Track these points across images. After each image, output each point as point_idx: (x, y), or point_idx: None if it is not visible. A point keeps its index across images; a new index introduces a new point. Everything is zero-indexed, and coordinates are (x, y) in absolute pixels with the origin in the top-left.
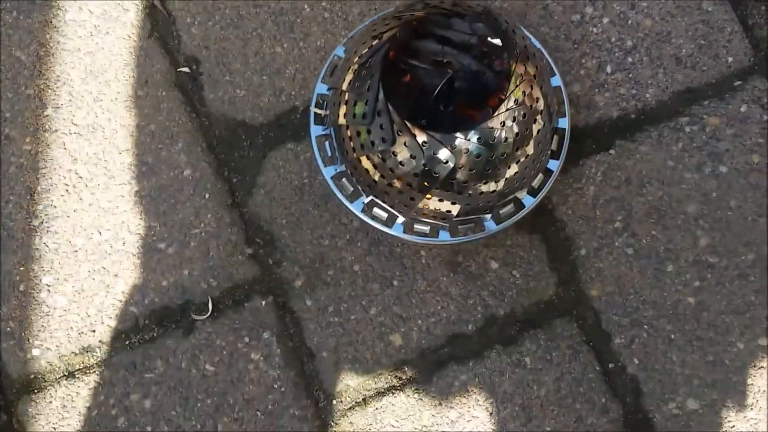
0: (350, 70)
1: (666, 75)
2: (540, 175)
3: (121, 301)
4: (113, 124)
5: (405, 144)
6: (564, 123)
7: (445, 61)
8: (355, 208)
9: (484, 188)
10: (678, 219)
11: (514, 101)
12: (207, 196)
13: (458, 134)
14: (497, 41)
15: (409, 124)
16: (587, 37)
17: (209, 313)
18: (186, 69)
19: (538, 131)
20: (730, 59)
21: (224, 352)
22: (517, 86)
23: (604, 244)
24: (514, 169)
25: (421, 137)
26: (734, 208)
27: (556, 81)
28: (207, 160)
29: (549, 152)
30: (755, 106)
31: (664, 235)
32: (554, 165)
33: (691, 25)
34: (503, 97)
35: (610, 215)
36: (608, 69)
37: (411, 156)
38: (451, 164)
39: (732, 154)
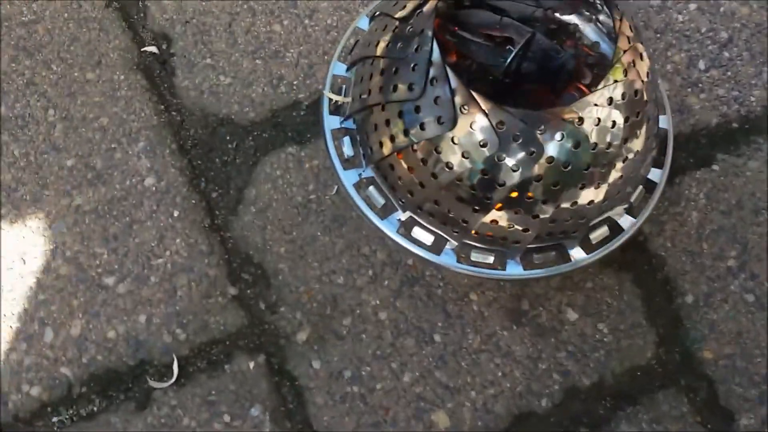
0: (386, 30)
1: None
2: (639, 188)
3: (48, 359)
4: (51, 115)
5: (471, 126)
6: (664, 122)
7: (504, 36)
8: (388, 227)
9: (578, 198)
10: None
11: (623, 73)
12: (176, 214)
13: (548, 111)
14: (569, 17)
15: (477, 96)
16: (671, 25)
17: (174, 379)
18: (153, 48)
19: (648, 119)
20: None
21: None
22: (624, 53)
23: (717, 289)
24: (618, 171)
25: (496, 116)
26: None
27: None
28: (177, 167)
29: (653, 156)
30: None
31: None
32: (657, 175)
33: None
34: (583, 84)
35: (720, 250)
36: (701, 65)
37: (463, 155)
38: (525, 171)
39: None
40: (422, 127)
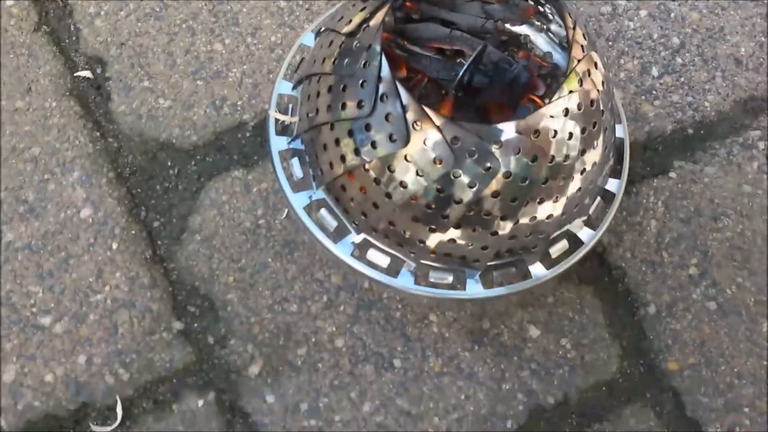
0: (332, 47)
1: (725, 79)
2: (597, 200)
3: None
4: None
5: (425, 143)
6: (620, 131)
7: (454, 49)
8: (342, 251)
9: (537, 213)
10: None
11: (578, 83)
12: (114, 246)
13: (503, 125)
14: (520, 27)
15: (429, 111)
16: (623, 33)
17: (118, 422)
18: (87, 73)
19: (605, 129)
20: None
21: None
22: (579, 62)
23: (679, 298)
24: (577, 183)
25: (450, 131)
26: None
27: None
28: (115, 196)
29: (610, 166)
30: None
31: (753, 283)
32: (615, 186)
33: (746, 19)
34: (536, 96)
35: (681, 258)
36: (654, 72)
37: (417, 173)
38: (482, 187)
39: None
40: (374, 145)
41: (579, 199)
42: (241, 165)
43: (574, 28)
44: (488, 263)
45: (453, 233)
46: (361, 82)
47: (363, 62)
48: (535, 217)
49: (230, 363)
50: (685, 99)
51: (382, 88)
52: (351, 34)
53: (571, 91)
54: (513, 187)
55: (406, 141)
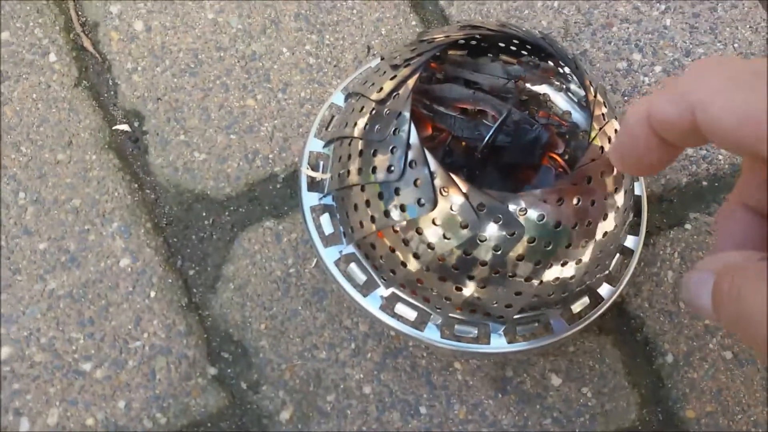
0: (363, 112)
1: None
2: (617, 256)
3: None
4: (21, 198)
5: (451, 209)
6: (638, 189)
7: (476, 109)
8: (371, 304)
9: (560, 274)
10: None
11: (600, 150)
12: (152, 294)
13: (527, 193)
14: (540, 87)
15: (456, 178)
16: (639, 88)
17: None
18: (125, 127)
19: (626, 191)
20: None
21: None
22: (600, 129)
23: (696, 348)
24: (599, 246)
25: (476, 198)
26: None
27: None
28: (152, 246)
29: (629, 224)
30: None
31: None
32: (633, 242)
33: None
34: (556, 155)
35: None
36: None
37: (444, 236)
38: (507, 251)
39: None
40: (402, 208)
41: (600, 260)
42: (272, 215)
43: (595, 95)
44: (512, 318)
45: (479, 292)
46: (391, 148)
47: (393, 129)
48: (558, 278)
49: (262, 408)
50: (699, 152)
51: (411, 155)
52: (381, 101)
53: (593, 160)
54: (537, 251)
55: (434, 205)
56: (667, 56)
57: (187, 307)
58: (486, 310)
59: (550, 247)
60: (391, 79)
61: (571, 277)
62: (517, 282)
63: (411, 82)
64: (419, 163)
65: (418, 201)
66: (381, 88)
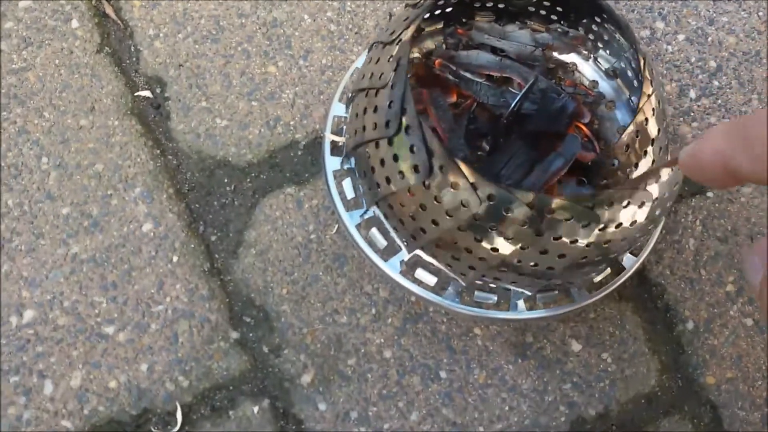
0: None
1: (761, 102)
2: None
3: (48, 412)
4: (44, 163)
5: (450, 186)
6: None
7: (503, 75)
8: (391, 269)
9: (602, 236)
10: None
11: (643, 120)
12: (175, 259)
13: (564, 197)
14: (568, 56)
15: (460, 164)
16: (662, 56)
17: (178, 427)
18: (147, 93)
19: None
20: None
21: None
22: (648, 97)
23: (716, 314)
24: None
25: (488, 190)
26: None
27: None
28: (175, 211)
29: None
30: None
31: None
32: None
33: None
34: (582, 124)
35: (718, 276)
36: (692, 94)
37: (462, 204)
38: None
39: None
40: (416, 170)
41: (624, 244)
42: (294, 182)
43: (644, 63)
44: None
45: (518, 254)
46: (389, 102)
47: (391, 81)
48: (590, 244)
49: (284, 371)
50: (721, 120)
51: (407, 119)
52: (387, 43)
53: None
54: (562, 246)
55: (428, 173)
56: (690, 24)
57: (209, 271)
58: (508, 286)
59: (575, 243)
60: (404, 20)
61: (607, 243)
62: (542, 272)
63: (412, 28)
64: (414, 128)
65: (414, 167)
66: (393, 31)
